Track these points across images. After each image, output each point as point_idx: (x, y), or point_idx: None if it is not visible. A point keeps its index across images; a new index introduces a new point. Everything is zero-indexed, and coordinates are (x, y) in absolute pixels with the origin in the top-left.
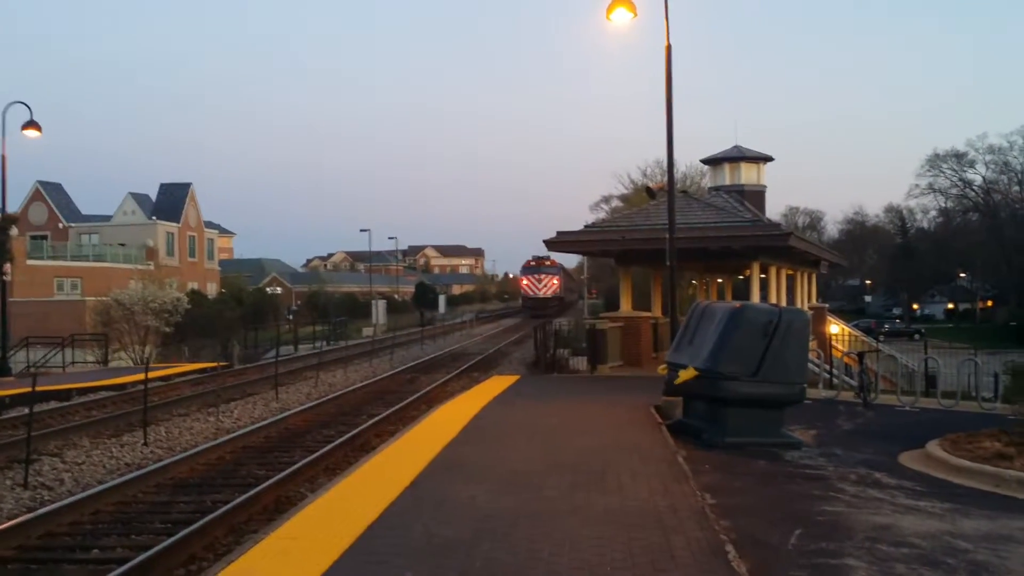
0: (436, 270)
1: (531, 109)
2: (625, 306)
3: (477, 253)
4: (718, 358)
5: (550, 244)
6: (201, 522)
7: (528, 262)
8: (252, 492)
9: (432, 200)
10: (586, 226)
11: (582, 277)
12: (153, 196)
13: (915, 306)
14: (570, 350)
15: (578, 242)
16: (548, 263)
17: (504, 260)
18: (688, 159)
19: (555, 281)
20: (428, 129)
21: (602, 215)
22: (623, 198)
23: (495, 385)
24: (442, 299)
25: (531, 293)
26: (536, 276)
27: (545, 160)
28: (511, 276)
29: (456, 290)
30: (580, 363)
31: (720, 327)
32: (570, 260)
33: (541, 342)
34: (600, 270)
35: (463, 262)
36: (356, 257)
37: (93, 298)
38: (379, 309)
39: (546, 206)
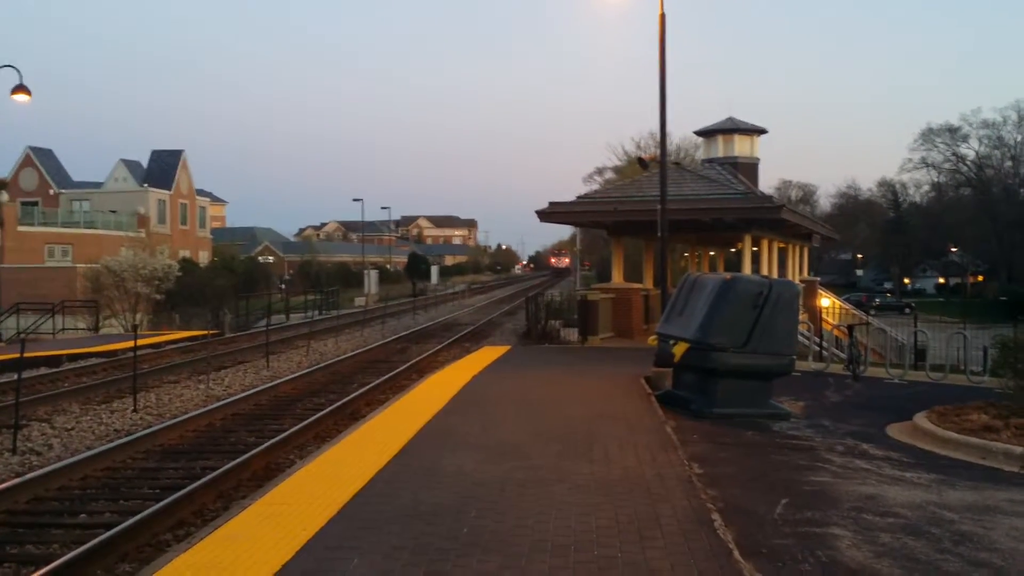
0: (429, 241)
1: (528, 82)
2: (617, 278)
3: (470, 224)
4: (708, 329)
5: (542, 215)
6: (190, 488)
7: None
8: (241, 459)
9: (426, 171)
10: (579, 197)
11: (575, 249)
12: (145, 163)
13: (906, 280)
14: (561, 321)
15: (571, 213)
16: (564, 252)
17: (498, 231)
18: (682, 132)
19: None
20: (425, 101)
21: (595, 187)
22: (616, 170)
23: (486, 355)
24: (435, 270)
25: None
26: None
27: (540, 132)
28: (504, 248)
29: (448, 261)
30: (571, 334)
31: (710, 298)
32: (564, 232)
33: (532, 314)
34: (593, 242)
35: (456, 233)
36: (349, 227)
37: (84, 265)
38: (371, 279)
39: (540, 178)
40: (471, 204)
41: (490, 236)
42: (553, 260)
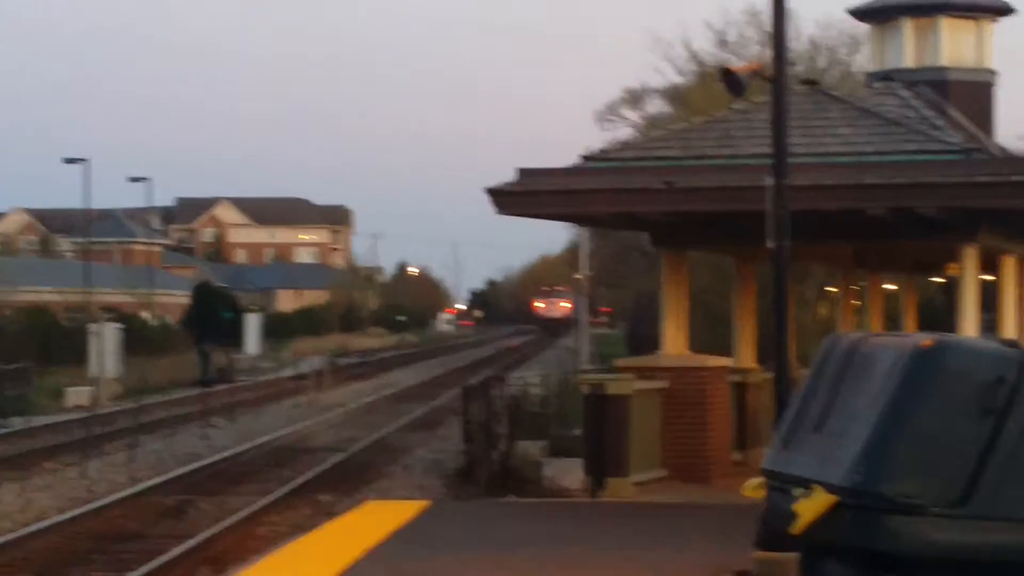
0: (240, 254)
1: None
2: (673, 341)
3: (336, 218)
4: (881, 463)
5: (502, 200)
6: None
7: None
8: None
9: (239, 113)
10: (584, 158)
11: (576, 277)
12: None
13: None
14: (546, 443)
15: (564, 194)
16: (560, 290)
17: (404, 236)
18: (822, 8)
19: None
20: None
21: (623, 134)
22: (669, 94)
23: (365, 530)
24: (253, 322)
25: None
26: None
27: (501, 22)
28: (414, 272)
29: (287, 301)
30: (569, 472)
31: (888, 392)
32: (553, 240)
33: (479, 424)
34: (617, 259)
35: (304, 237)
36: (54, 222)
37: None
38: (105, 346)
39: (503, 129)
40: (343, 180)
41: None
42: (539, 303)
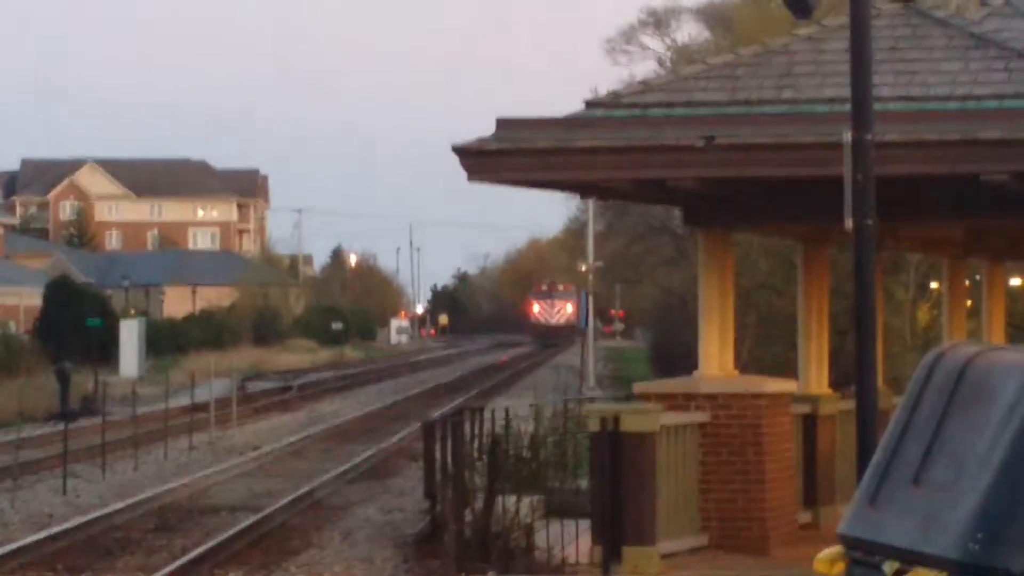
0: (115, 238)
1: None
2: (715, 357)
3: (243, 186)
4: (1007, 529)
5: (475, 162)
6: None
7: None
8: None
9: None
10: (589, 104)
11: (584, 269)
12: None
13: None
14: (539, 497)
15: (560, 153)
16: (561, 288)
17: (346, 211)
18: None
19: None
20: None
21: (641, 70)
22: (707, 14)
23: None
24: (130, 330)
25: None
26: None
27: None
28: (352, 261)
29: (178, 301)
30: (571, 538)
31: (1014, 430)
32: (551, 218)
33: (447, 472)
34: (636, 243)
35: (201, 212)
36: None
37: None
38: None
39: (483, 69)
40: (254, 138)
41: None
42: (536, 307)
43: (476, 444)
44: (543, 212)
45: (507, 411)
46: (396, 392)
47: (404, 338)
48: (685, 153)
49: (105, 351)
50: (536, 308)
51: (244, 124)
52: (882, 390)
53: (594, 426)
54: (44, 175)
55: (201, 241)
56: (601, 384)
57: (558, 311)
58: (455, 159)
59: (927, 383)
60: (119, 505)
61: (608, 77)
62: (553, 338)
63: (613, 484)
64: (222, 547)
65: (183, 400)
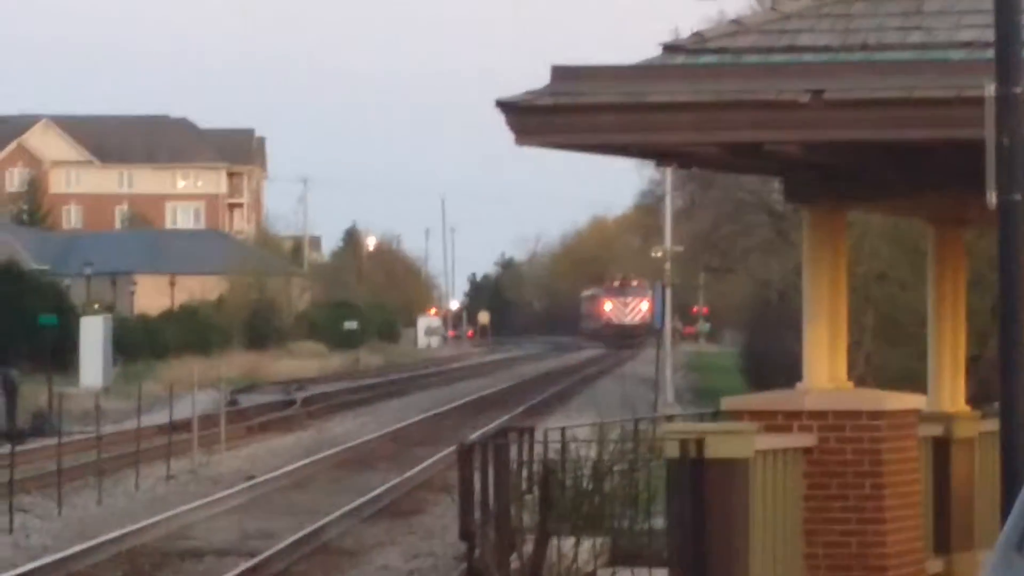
0: (72, 213)
1: None
2: (824, 366)
3: (234, 151)
4: None
5: (525, 121)
6: None
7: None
8: None
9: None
10: (667, 48)
11: (660, 255)
12: None
13: None
14: (604, 539)
15: (630, 109)
16: (635, 284)
17: (363, 184)
18: None
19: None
20: None
21: (731, 7)
22: None
23: None
24: (93, 332)
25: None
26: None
27: None
28: (369, 245)
29: (154, 294)
30: None
31: None
32: (619, 193)
33: (484, 508)
34: (725, 223)
35: (183, 182)
36: None
37: None
38: None
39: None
40: (248, 96)
41: (326, 201)
42: (606, 304)
43: (525, 473)
44: (609, 184)
45: (563, 432)
46: (424, 408)
47: (435, 340)
48: (787, 110)
49: (62, 356)
50: (608, 306)
51: (235, 75)
52: None
53: (671, 451)
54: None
55: (182, 219)
56: (681, 399)
57: (632, 310)
58: (499, 117)
59: None
60: (78, 548)
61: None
62: (623, 340)
63: (695, 523)
64: None
65: (159, 417)
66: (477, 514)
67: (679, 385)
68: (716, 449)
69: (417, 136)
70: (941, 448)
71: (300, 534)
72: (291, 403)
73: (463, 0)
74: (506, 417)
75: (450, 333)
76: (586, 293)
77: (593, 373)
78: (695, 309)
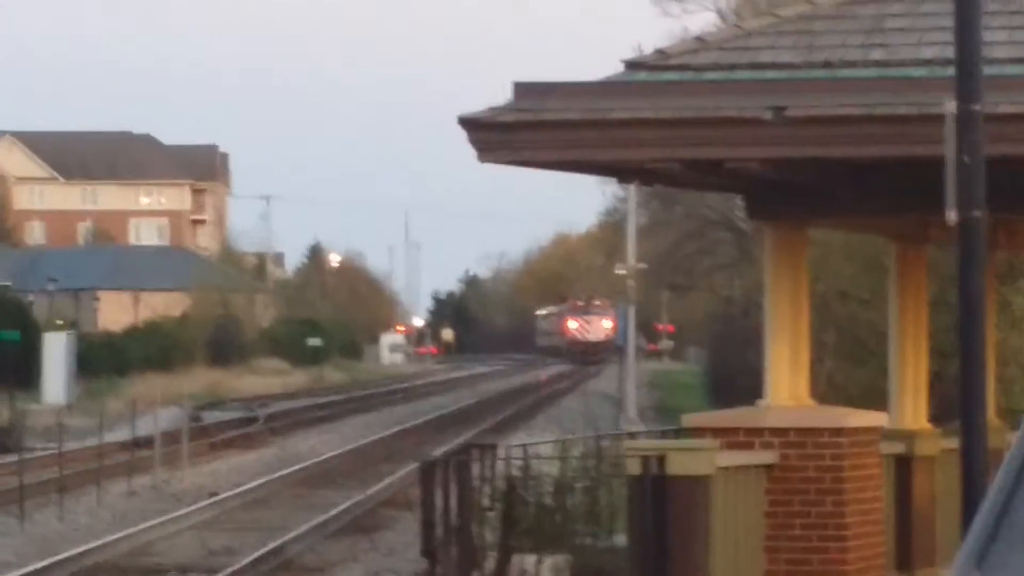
0: (34, 229)
1: None
2: (786, 383)
3: (199, 167)
4: None
5: (487, 138)
6: None
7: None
8: None
9: None
10: (629, 64)
11: (620, 271)
12: None
13: None
14: (566, 557)
15: (593, 125)
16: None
17: (327, 200)
18: None
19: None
20: None
21: (696, 23)
22: None
23: None
24: (55, 348)
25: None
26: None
27: None
28: (334, 262)
29: (117, 310)
30: None
31: None
32: (583, 210)
33: (447, 525)
34: (687, 241)
35: (146, 199)
36: None
37: None
38: None
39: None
40: (211, 113)
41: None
42: (571, 325)
43: (487, 490)
44: (574, 201)
45: (525, 449)
46: (388, 425)
47: (399, 357)
48: (748, 127)
49: (24, 372)
50: (574, 324)
51: (199, 91)
52: (994, 424)
53: (633, 468)
54: None
55: (146, 235)
56: (644, 416)
57: (595, 326)
58: (462, 134)
59: None
60: (40, 564)
61: (655, 31)
62: (588, 353)
63: (657, 541)
64: None
65: (122, 434)
66: (440, 531)
67: (642, 402)
68: (678, 466)
69: (380, 153)
70: (903, 465)
71: (263, 551)
72: (254, 420)
73: (427, 17)
74: (470, 434)
75: (419, 351)
76: (540, 312)
77: (557, 391)
78: (659, 327)
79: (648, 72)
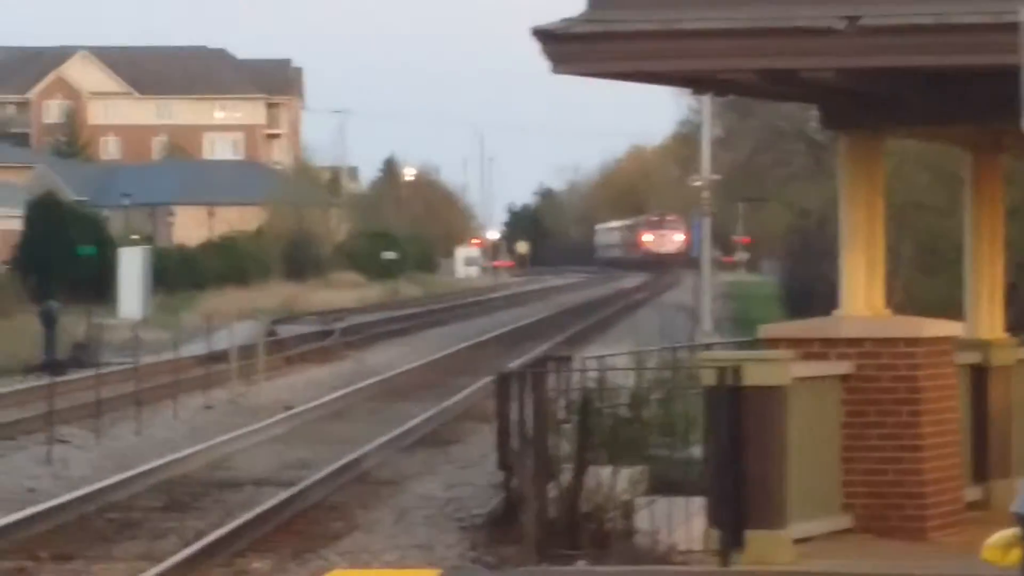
0: (109, 145)
1: None
2: (861, 294)
3: (272, 82)
4: None
5: (562, 49)
6: None
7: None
8: None
9: None
10: None
11: (694, 182)
12: None
13: None
14: (642, 468)
15: (667, 36)
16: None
17: (400, 115)
18: None
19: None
20: None
21: None
22: None
23: None
24: (131, 263)
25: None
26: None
27: None
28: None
29: (192, 225)
30: (681, 520)
31: None
32: (656, 121)
33: (522, 438)
34: (763, 152)
35: (220, 114)
36: None
37: None
38: None
39: None
40: (284, 27)
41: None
42: (646, 238)
43: (563, 402)
44: (648, 114)
45: (601, 361)
46: (463, 338)
47: (473, 271)
48: (822, 37)
49: (101, 287)
50: (646, 239)
51: (272, 5)
52: None
53: (709, 379)
54: (24, 68)
55: (220, 149)
56: (719, 328)
57: (668, 239)
58: (535, 46)
59: None
60: (117, 478)
61: None
62: (660, 266)
63: (733, 452)
64: (245, 530)
65: (198, 349)
66: (515, 443)
67: (718, 314)
68: (753, 376)
69: (454, 66)
70: (979, 375)
71: (338, 464)
72: (330, 333)
73: None
74: (545, 346)
75: (495, 264)
76: (601, 226)
77: (632, 303)
78: (736, 238)
79: None
